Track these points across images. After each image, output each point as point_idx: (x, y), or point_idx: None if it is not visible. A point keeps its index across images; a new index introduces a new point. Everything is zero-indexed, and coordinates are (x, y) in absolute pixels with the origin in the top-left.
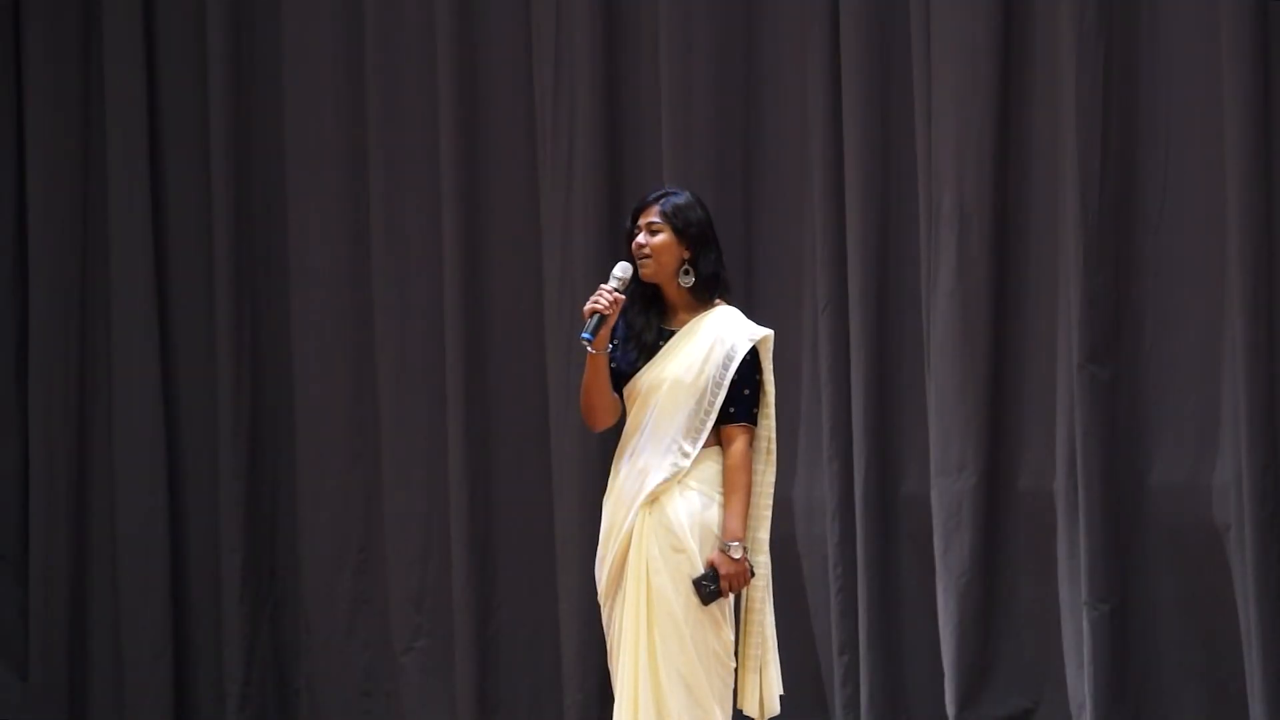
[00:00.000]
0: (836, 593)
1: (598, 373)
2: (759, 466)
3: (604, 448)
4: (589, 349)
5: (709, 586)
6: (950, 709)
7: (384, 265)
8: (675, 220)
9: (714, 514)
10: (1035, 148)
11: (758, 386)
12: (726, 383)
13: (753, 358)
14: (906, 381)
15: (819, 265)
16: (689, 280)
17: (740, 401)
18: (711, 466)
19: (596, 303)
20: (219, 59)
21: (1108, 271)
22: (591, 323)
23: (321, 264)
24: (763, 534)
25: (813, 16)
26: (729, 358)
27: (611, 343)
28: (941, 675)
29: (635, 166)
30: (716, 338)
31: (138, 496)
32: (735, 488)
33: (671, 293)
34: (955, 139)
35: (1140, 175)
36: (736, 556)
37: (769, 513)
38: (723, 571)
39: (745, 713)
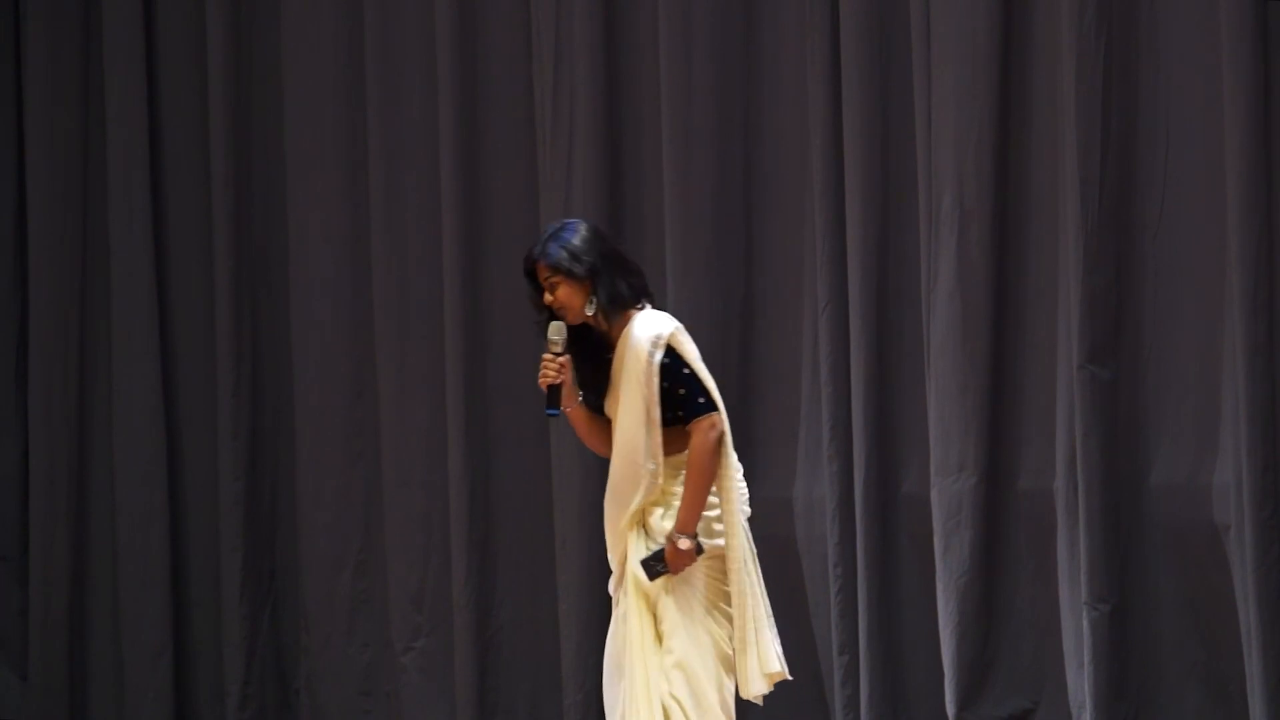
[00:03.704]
0: (836, 593)
1: (580, 424)
2: (723, 449)
3: None
4: (560, 412)
5: (655, 566)
6: (950, 709)
7: (384, 265)
8: (562, 267)
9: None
10: (1035, 148)
11: (690, 379)
12: (657, 395)
13: (672, 358)
14: (906, 381)
15: (819, 265)
16: (591, 309)
17: (681, 403)
18: (685, 471)
19: (545, 375)
20: (219, 59)
21: (1108, 272)
22: (549, 396)
23: (321, 264)
24: (737, 519)
25: (813, 16)
26: (649, 374)
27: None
28: (941, 675)
29: (635, 166)
30: (631, 355)
31: (138, 496)
32: (688, 482)
33: (593, 324)
34: (955, 139)
35: (1140, 175)
36: (683, 547)
37: (738, 492)
38: (666, 557)
39: (740, 694)
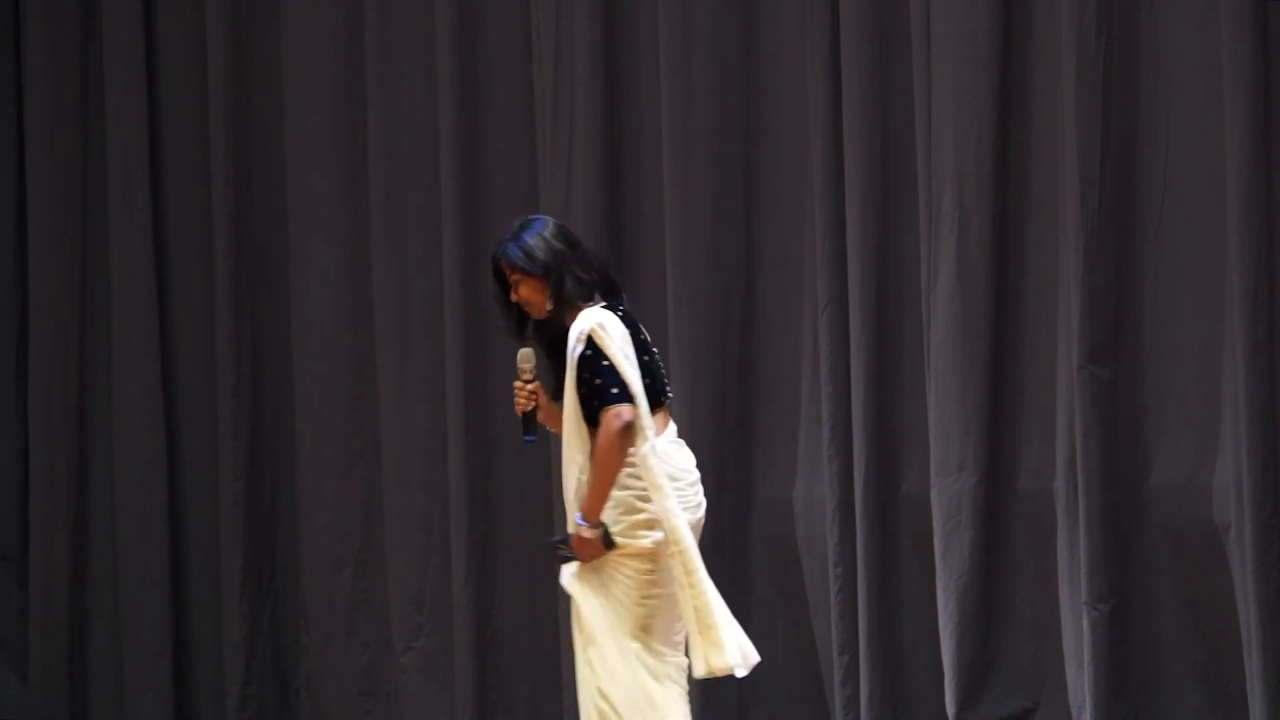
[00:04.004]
0: (836, 593)
1: (558, 430)
2: (638, 441)
3: None
4: (538, 436)
5: (563, 550)
6: (950, 709)
7: (384, 265)
8: (517, 265)
9: (607, 515)
10: (1035, 148)
11: (607, 370)
12: (575, 388)
13: (593, 350)
14: (906, 381)
15: (819, 265)
16: (550, 305)
17: (595, 393)
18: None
19: (518, 403)
20: (219, 59)
21: (1108, 271)
22: (525, 423)
23: (321, 264)
24: (669, 503)
25: (813, 16)
26: (571, 368)
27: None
28: (941, 675)
29: (635, 166)
30: (568, 352)
31: (138, 496)
32: (593, 470)
33: (553, 319)
34: (955, 139)
35: (1140, 175)
36: (585, 535)
37: (668, 481)
38: (572, 543)
39: (694, 675)
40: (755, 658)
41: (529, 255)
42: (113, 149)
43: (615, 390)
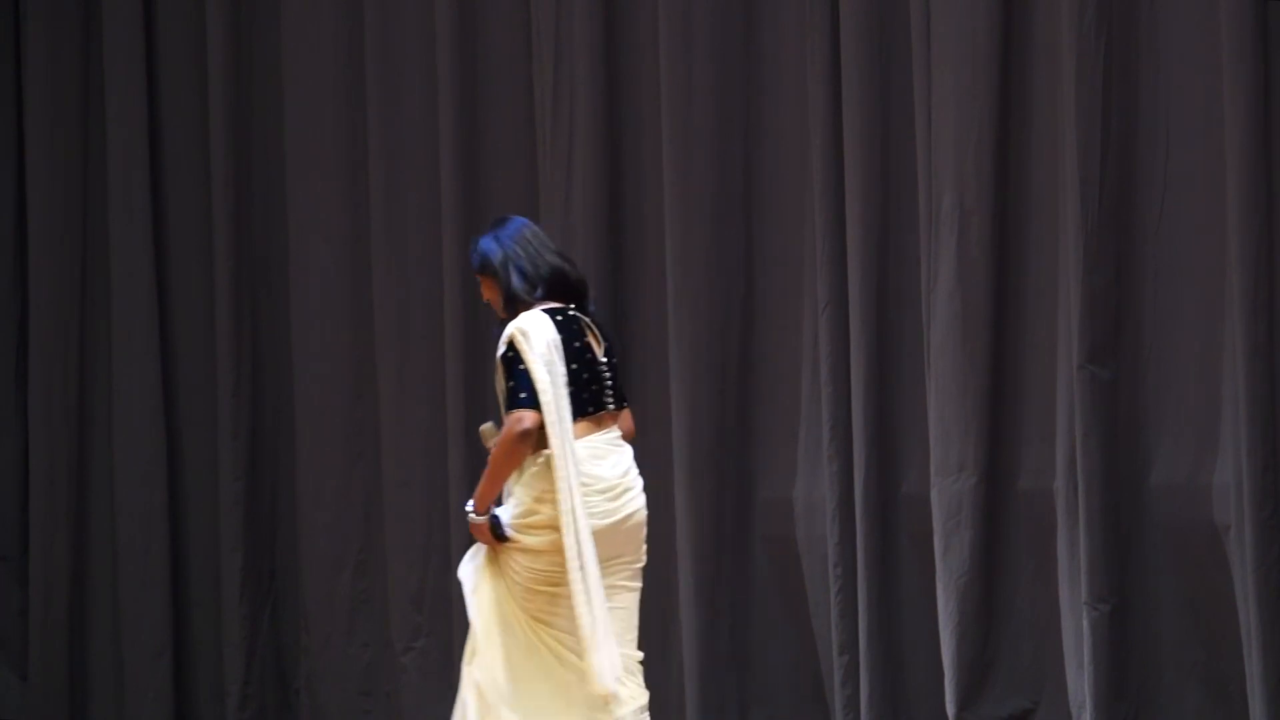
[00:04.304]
0: (836, 593)
1: None
2: (552, 444)
3: None
4: None
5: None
6: (950, 709)
7: (384, 265)
8: (476, 266)
9: (508, 510)
10: (1035, 148)
11: (521, 374)
12: (501, 388)
13: (514, 353)
14: (906, 381)
15: (819, 265)
16: (503, 303)
17: (506, 395)
18: (528, 468)
19: None
20: (219, 59)
21: (1108, 272)
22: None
23: (321, 264)
24: (564, 514)
25: (813, 16)
26: (496, 367)
27: None
28: (941, 675)
29: (635, 166)
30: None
31: (138, 496)
32: (488, 465)
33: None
34: (955, 139)
35: (1140, 175)
36: (474, 522)
37: (572, 491)
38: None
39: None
40: (619, 687)
41: (482, 256)
42: (113, 149)
43: (524, 395)
